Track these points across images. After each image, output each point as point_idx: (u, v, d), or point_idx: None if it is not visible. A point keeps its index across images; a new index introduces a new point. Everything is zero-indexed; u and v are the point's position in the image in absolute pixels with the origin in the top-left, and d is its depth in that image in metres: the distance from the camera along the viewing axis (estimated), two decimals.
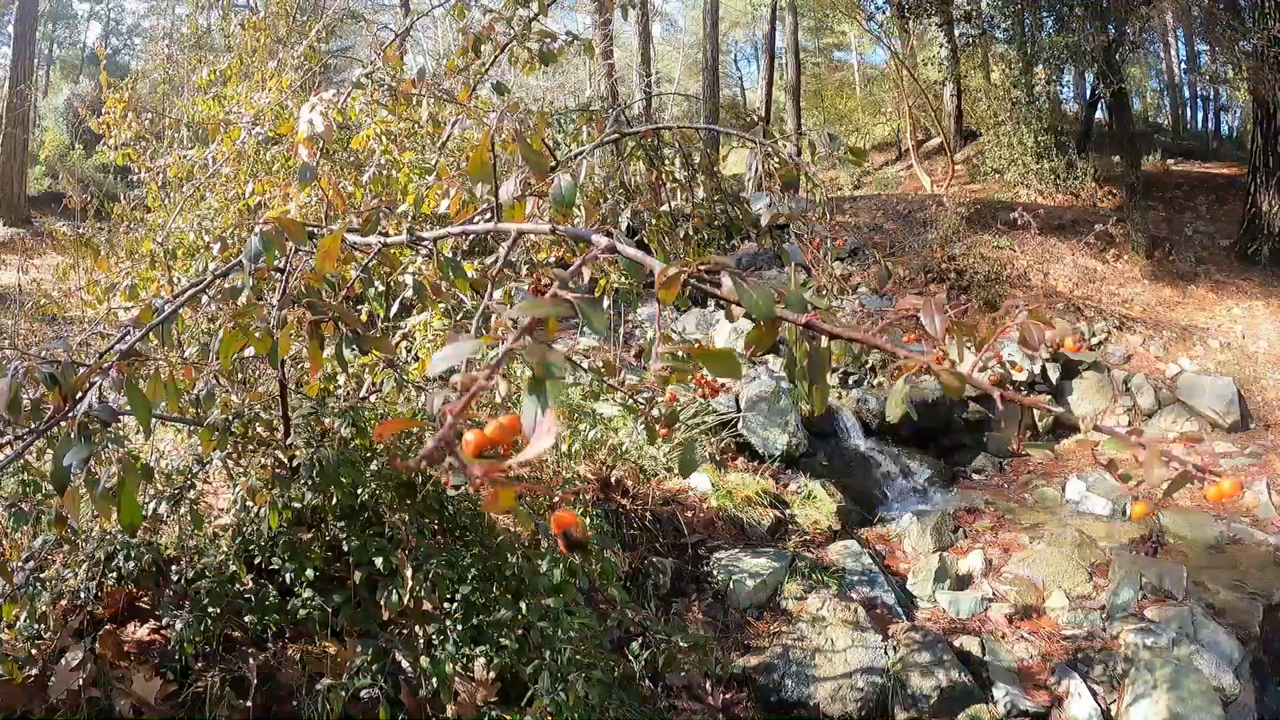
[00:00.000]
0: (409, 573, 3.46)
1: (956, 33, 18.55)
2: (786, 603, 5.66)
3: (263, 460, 3.45)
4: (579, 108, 4.68)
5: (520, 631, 3.55)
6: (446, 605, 3.58)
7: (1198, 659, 5.50)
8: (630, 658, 4.10)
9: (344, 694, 3.13)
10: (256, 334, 2.15)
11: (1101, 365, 10.67)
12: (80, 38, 34.86)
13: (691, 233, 4.47)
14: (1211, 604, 6.28)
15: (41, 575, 3.11)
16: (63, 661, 2.98)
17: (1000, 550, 7.29)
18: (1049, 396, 10.30)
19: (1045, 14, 16.13)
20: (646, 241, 4.55)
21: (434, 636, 3.47)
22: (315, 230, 2.34)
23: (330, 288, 2.39)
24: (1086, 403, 10.40)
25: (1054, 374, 10.36)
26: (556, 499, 4.44)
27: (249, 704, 3.10)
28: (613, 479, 5.82)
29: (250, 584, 3.39)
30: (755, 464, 7.74)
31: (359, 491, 3.57)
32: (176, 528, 3.52)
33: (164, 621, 3.26)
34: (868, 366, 9.97)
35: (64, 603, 3.20)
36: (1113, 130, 16.23)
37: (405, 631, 3.49)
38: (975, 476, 9.37)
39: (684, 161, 4.42)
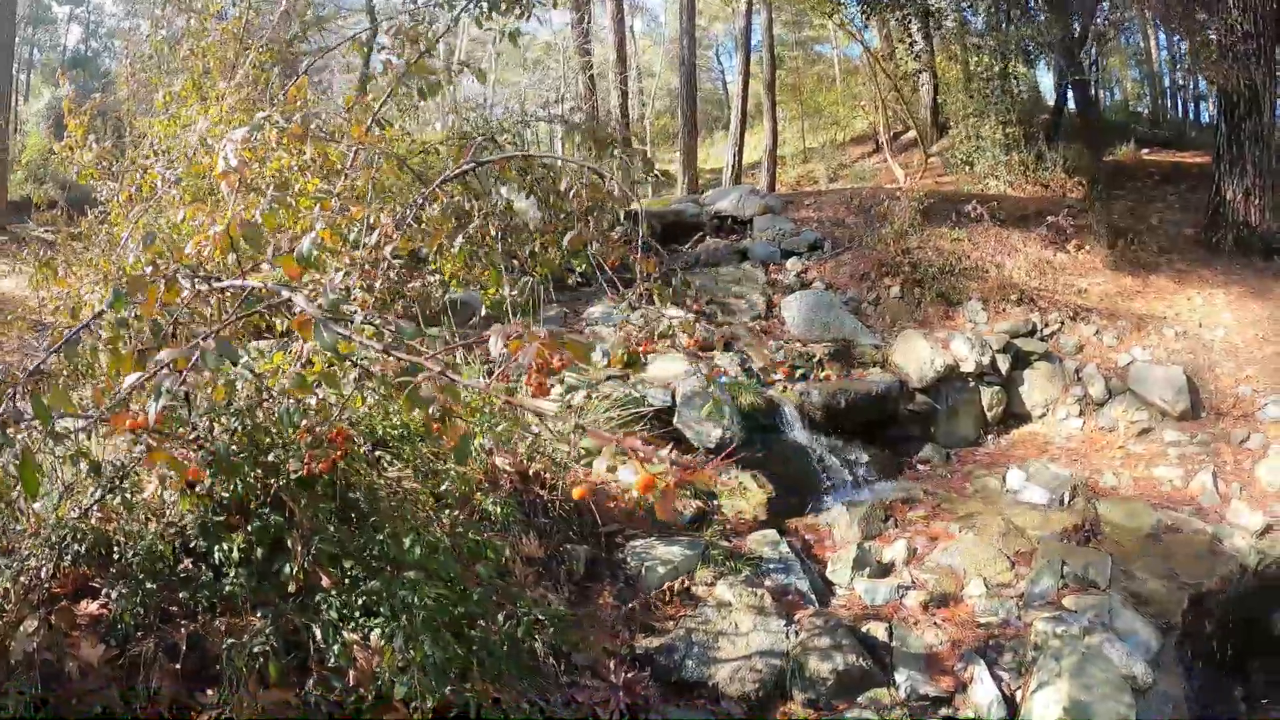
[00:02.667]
0: (299, 549, 3.76)
1: (930, 25, 18.47)
2: (697, 589, 5.71)
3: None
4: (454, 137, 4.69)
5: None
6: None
7: (1108, 647, 5.50)
8: (495, 627, 4.15)
9: (244, 653, 3.49)
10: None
11: (1054, 355, 10.65)
12: (61, 41, 34.86)
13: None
14: (1135, 593, 6.31)
15: (7, 556, 3.62)
16: (21, 629, 3.42)
17: (927, 539, 7.31)
18: (999, 388, 10.24)
19: (1010, 6, 16.09)
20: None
21: (325, 607, 3.78)
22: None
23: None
24: (1038, 392, 10.38)
25: (1004, 365, 10.33)
26: None
27: (178, 667, 3.53)
28: (531, 471, 5.85)
29: (189, 565, 3.80)
30: (689, 456, 7.69)
31: (270, 482, 3.90)
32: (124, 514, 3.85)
33: (113, 597, 3.65)
34: (815, 360, 9.94)
35: (24, 580, 3.60)
36: (1081, 122, 16.15)
37: (301, 601, 3.78)
38: (920, 467, 9.37)
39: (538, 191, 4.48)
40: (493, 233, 4.47)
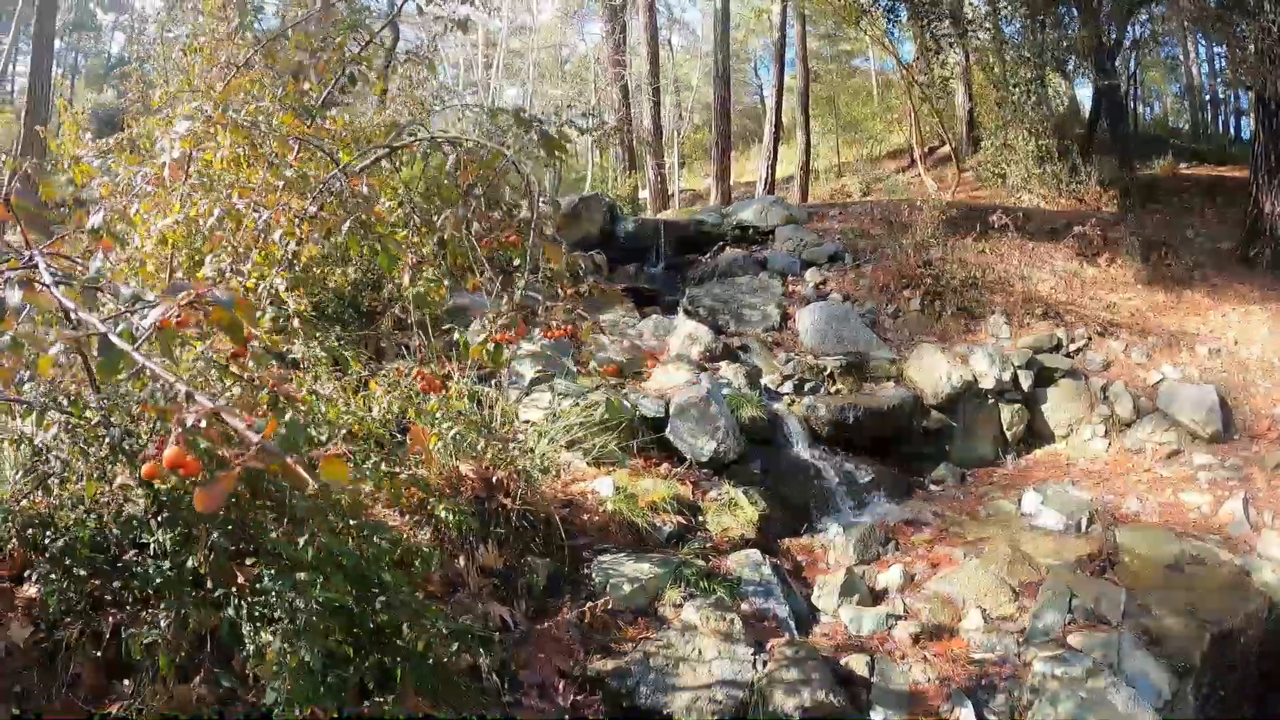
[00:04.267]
0: (203, 541, 3.63)
1: (959, 35, 18.09)
2: (664, 609, 5.38)
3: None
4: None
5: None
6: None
7: (1114, 693, 5.06)
8: (402, 642, 3.84)
9: (139, 643, 3.42)
10: None
11: (1079, 373, 10.14)
12: (106, 47, 35.37)
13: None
14: (1150, 631, 5.76)
15: None
16: None
17: (928, 565, 6.87)
18: (1020, 405, 9.75)
19: (1042, 13, 15.63)
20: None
21: (230, 604, 3.63)
22: None
23: None
24: (1062, 411, 9.87)
25: (1026, 381, 9.83)
26: None
27: (99, 655, 3.51)
28: (495, 479, 5.54)
29: (133, 555, 3.67)
30: (681, 469, 7.38)
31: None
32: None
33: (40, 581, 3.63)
34: (826, 373, 9.51)
35: None
36: (1110, 132, 15.67)
37: (203, 595, 3.64)
38: (933, 488, 8.90)
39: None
40: (392, 220, 4.13)
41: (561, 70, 32.99)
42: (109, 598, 3.63)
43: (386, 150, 4.28)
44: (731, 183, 23.24)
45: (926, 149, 22.34)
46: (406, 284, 4.72)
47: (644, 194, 22.04)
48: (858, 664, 5.26)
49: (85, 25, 35.38)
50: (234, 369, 3.62)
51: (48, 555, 3.59)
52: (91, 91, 29.32)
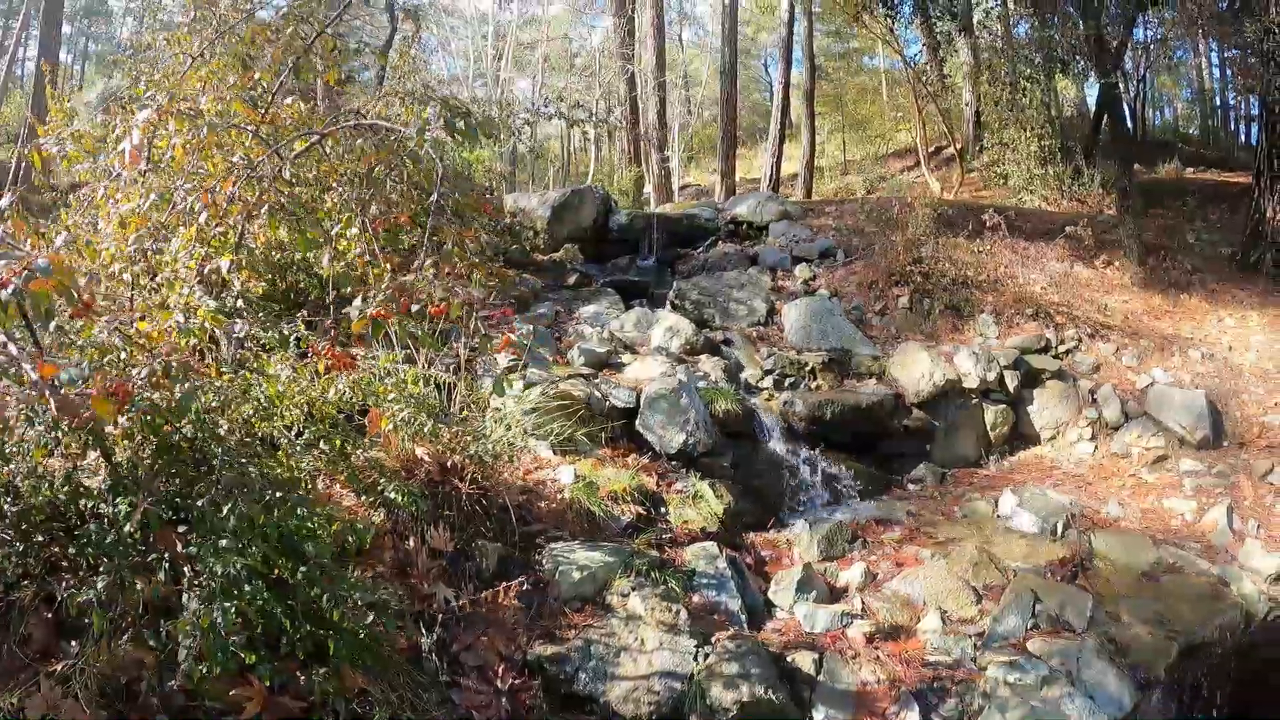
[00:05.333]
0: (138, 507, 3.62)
1: (959, 32, 17.98)
2: (611, 598, 5.26)
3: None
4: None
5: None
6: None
7: (1068, 703, 4.94)
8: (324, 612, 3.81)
9: (77, 599, 3.46)
10: None
11: (1067, 374, 9.96)
12: (116, 33, 35.41)
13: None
14: (1116, 639, 5.60)
15: None
16: None
17: (893, 564, 6.72)
18: (1005, 406, 9.58)
19: (1047, 11, 15.45)
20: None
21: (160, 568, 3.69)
22: None
23: None
24: (1048, 413, 9.70)
25: (1012, 382, 9.66)
26: None
27: (50, 616, 3.62)
28: (450, 463, 5.52)
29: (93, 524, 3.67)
30: (648, 460, 7.27)
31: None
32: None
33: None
34: (808, 369, 9.35)
35: None
36: (1111, 134, 15.49)
37: (136, 560, 3.66)
38: (911, 487, 8.75)
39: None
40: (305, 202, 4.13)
41: (571, 63, 32.85)
42: (65, 563, 3.70)
43: (318, 137, 4.22)
44: (738, 179, 23.15)
45: (932, 149, 22.18)
46: (325, 265, 4.62)
47: (649, 189, 21.90)
48: (804, 661, 5.12)
49: (97, 10, 35.46)
50: (140, 343, 3.54)
51: (5, 520, 3.65)
52: (101, 78, 29.36)
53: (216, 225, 4.18)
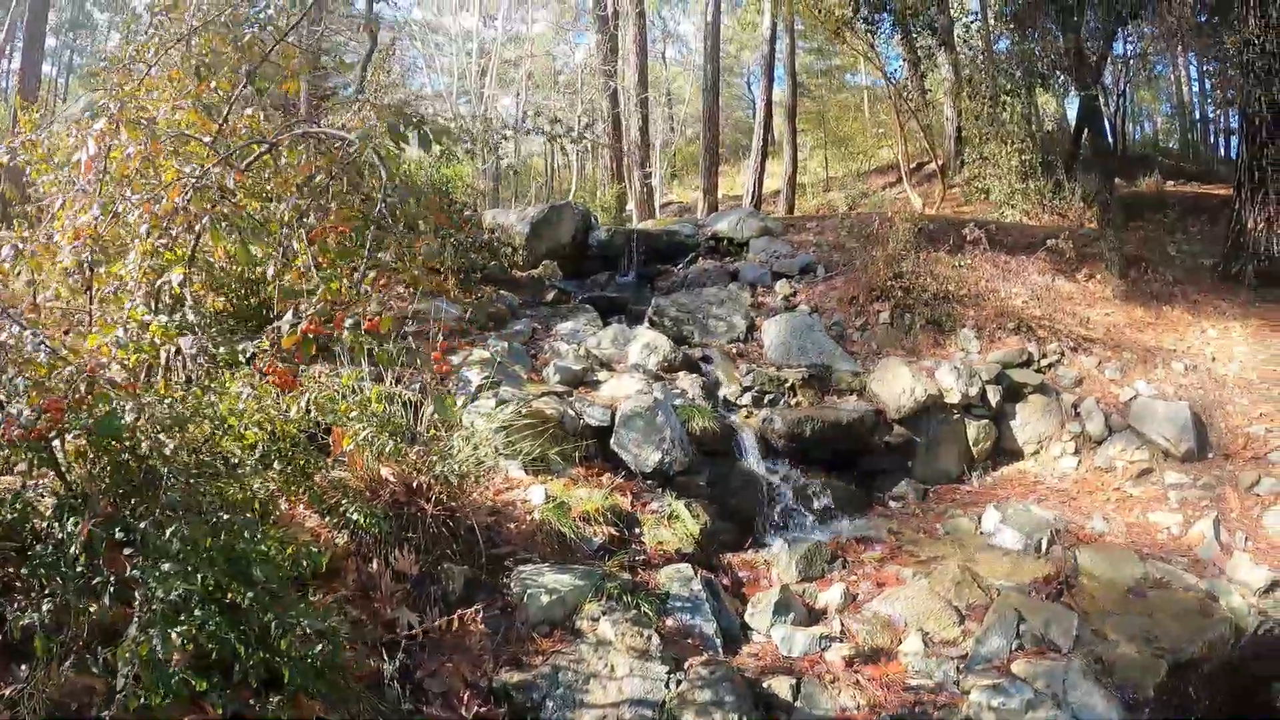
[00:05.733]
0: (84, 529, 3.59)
1: (937, 46, 18.01)
2: (581, 622, 5.13)
3: None
4: None
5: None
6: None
7: None
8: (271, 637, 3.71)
9: (19, 622, 3.40)
10: None
11: (1050, 388, 9.84)
12: (102, 47, 35.42)
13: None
14: (1103, 658, 5.45)
15: None
16: None
17: (874, 584, 6.60)
18: (987, 421, 9.45)
19: (1027, 25, 15.45)
20: None
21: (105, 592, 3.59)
22: None
23: None
24: (1030, 427, 9.57)
25: (994, 397, 9.54)
26: None
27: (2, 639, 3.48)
28: (415, 484, 5.42)
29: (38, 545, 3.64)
30: (622, 480, 7.15)
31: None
32: None
33: None
34: (787, 385, 9.22)
35: None
36: (1092, 148, 15.48)
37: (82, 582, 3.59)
38: (892, 504, 8.62)
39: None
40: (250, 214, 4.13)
41: (555, 80, 32.82)
42: (19, 584, 3.63)
43: (268, 146, 4.20)
44: (721, 196, 23.14)
45: (915, 165, 22.20)
46: (271, 277, 4.53)
47: (631, 205, 21.85)
48: (781, 687, 4.98)
49: (82, 24, 35.44)
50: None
51: None
52: (85, 89, 29.36)
53: (160, 238, 4.11)
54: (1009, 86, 15.69)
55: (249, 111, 5.25)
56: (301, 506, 4.99)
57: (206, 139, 4.64)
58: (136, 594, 3.54)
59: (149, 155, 4.45)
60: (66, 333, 3.90)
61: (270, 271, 4.38)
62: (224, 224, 3.93)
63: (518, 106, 32.53)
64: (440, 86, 34.07)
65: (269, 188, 5.07)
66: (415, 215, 5.73)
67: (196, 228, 4.07)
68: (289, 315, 3.71)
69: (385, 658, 4.39)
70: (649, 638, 4.98)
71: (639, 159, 21.63)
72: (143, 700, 3.27)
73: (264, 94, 4.76)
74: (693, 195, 24.85)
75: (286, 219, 4.21)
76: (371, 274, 4.11)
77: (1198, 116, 23.35)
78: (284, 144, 4.37)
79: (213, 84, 5.12)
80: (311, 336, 3.78)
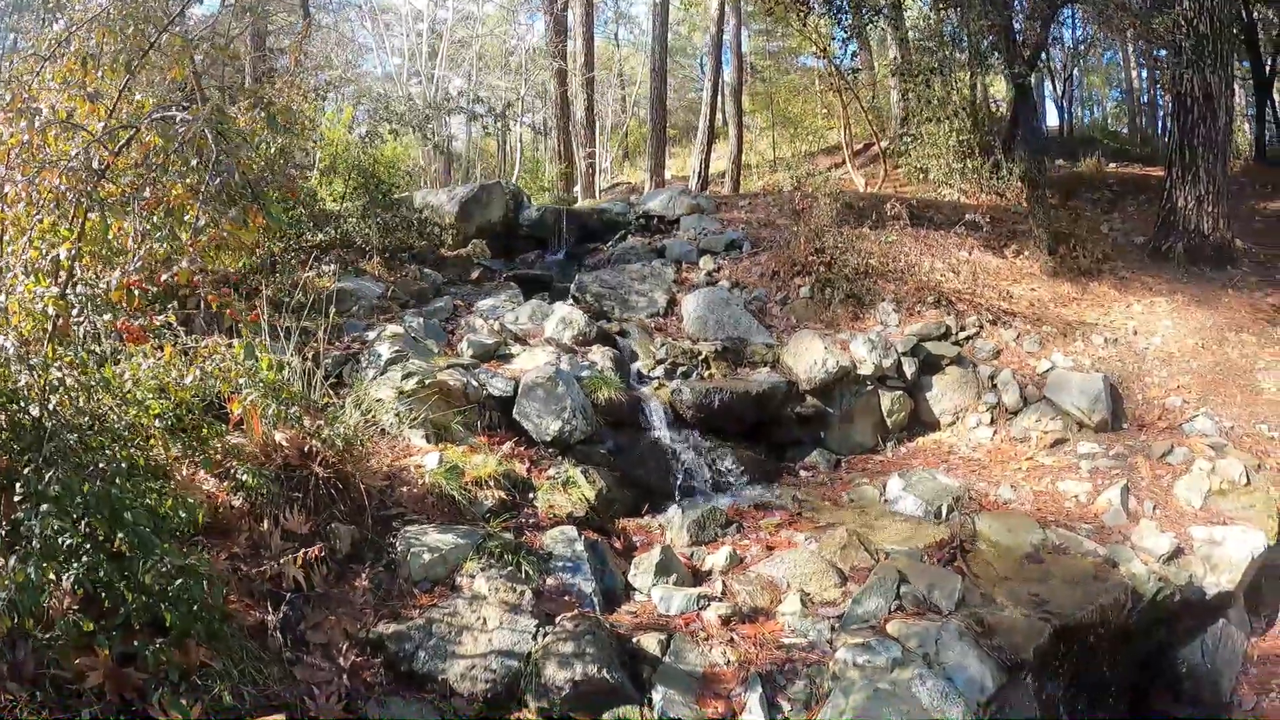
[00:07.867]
0: None
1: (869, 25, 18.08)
2: (461, 580, 5.27)
3: None
4: None
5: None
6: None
7: (919, 685, 4.80)
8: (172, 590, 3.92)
9: None
10: None
11: (967, 360, 9.89)
12: (49, 30, 34.80)
13: None
14: (984, 621, 5.44)
15: None
16: None
17: (764, 548, 6.63)
18: (902, 392, 9.47)
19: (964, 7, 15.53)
20: None
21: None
22: None
23: None
24: (947, 399, 9.63)
25: (910, 369, 9.57)
26: None
27: None
28: (308, 448, 5.58)
29: None
30: (524, 448, 7.25)
31: None
32: None
33: None
34: (701, 358, 9.20)
35: None
36: (1024, 127, 15.60)
37: None
38: (803, 474, 8.64)
39: None
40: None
41: (506, 61, 32.61)
42: None
43: (134, 130, 4.48)
44: (670, 176, 23.14)
45: (862, 145, 22.24)
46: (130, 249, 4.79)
47: (579, 187, 21.78)
48: (650, 642, 5.04)
49: (26, 6, 34.83)
50: None
51: None
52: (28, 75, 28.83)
53: (37, 213, 4.37)
54: (934, 65, 15.77)
55: (139, 98, 5.39)
56: (202, 471, 5.12)
57: (100, 124, 4.76)
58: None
59: (29, 142, 4.60)
60: None
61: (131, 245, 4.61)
62: (89, 201, 4.19)
63: (470, 87, 32.38)
64: (391, 69, 33.86)
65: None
66: (258, 188, 5.87)
67: (85, 205, 4.28)
68: (116, 272, 3.98)
69: (270, 610, 4.56)
70: (522, 593, 5.09)
71: (583, 138, 21.57)
72: (15, 621, 3.41)
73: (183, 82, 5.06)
74: (642, 176, 24.79)
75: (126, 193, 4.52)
76: (185, 236, 4.45)
77: (1145, 101, 23.60)
78: (146, 128, 4.55)
79: (99, 73, 5.31)
80: (134, 291, 4.11)
